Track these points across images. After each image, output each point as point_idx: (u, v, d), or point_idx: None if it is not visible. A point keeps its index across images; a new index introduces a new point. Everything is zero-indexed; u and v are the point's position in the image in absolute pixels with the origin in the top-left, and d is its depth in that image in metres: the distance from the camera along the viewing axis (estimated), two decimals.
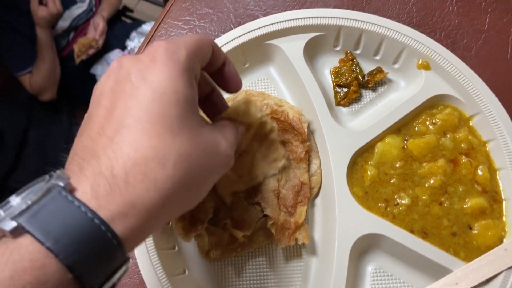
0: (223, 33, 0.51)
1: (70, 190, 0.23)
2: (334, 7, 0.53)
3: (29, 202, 0.22)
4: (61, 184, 0.22)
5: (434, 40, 0.47)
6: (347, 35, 0.49)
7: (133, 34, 1.35)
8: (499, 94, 0.48)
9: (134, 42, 1.34)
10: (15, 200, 0.22)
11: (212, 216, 0.45)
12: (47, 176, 0.24)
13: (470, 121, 0.46)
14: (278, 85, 0.50)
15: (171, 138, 0.24)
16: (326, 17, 0.48)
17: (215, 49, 0.31)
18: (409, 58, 0.48)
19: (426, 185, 0.43)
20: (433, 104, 0.47)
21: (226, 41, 0.48)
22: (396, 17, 0.52)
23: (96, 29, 1.26)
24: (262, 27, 0.48)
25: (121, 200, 0.23)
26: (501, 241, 0.41)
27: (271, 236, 0.44)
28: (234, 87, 0.35)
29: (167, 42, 0.27)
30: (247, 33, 0.48)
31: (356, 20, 0.47)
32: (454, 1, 0.53)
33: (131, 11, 1.70)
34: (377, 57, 0.50)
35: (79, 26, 1.30)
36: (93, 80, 1.35)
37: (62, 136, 1.31)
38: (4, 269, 0.19)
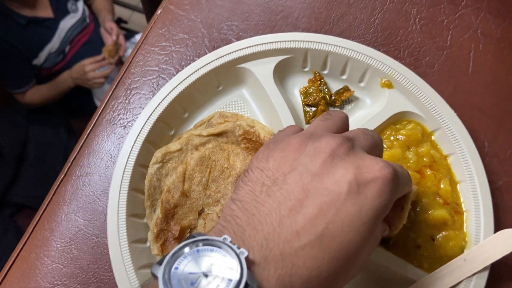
0: (198, 57, 0.53)
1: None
2: (303, 29, 0.56)
3: None
4: None
5: (396, 59, 0.49)
6: (314, 57, 0.51)
7: (127, 44, 1.40)
8: (461, 108, 0.51)
9: (127, 52, 1.39)
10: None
11: (190, 235, 0.47)
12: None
13: (432, 136, 0.48)
14: (250, 106, 0.53)
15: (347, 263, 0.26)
16: (293, 41, 0.50)
17: None
18: (373, 77, 0.50)
19: None
20: (397, 119, 0.49)
21: (200, 66, 0.50)
22: (361, 37, 0.55)
23: (111, 33, 1.34)
24: (233, 52, 0.51)
25: None
26: (461, 251, 0.43)
27: None
28: None
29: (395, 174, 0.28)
30: (219, 58, 0.51)
31: (321, 43, 0.50)
32: (417, 20, 0.55)
33: (126, 22, 1.75)
34: (344, 77, 0.52)
35: (74, 39, 1.33)
36: (89, 91, 1.39)
37: (61, 148, 1.34)
38: None
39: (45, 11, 1.28)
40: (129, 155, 0.46)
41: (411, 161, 0.47)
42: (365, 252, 0.28)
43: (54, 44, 1.29)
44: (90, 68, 1.27)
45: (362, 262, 0.28)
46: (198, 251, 0.24)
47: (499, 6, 0.56)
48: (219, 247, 0.24)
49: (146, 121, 0.48)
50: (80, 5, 1.34)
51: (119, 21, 1.65)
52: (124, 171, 0.46)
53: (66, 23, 1.30)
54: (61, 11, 1.29)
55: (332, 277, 0.26)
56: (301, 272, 0.25)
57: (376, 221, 0.27)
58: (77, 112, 1.48)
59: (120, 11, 1.84)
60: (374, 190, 0.27)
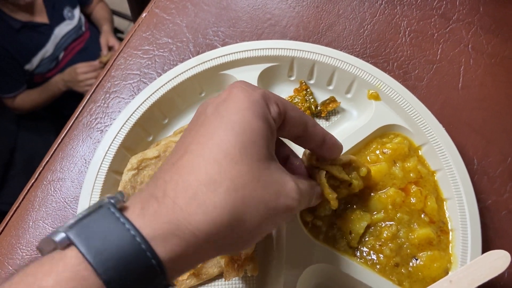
0: (182, 62, 0.52)
1: (121, 208, 0.23)
2: (291, 38, 0.54)
3: (80, 216, 0.23)
4: (112, 201, 0.23)
5: (384, 71, 0.48)
6: (300, 66, 0.50)
7: None
8: (450, 123, 0.49)
9: None
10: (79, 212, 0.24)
11: None
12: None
13: (419, 151, 0.47)
14: None
15: (229, 164, 0.24)
16: (278, 49, 0.49)
17: (310, 130, 0.31)
18: (360, 89, 0.48)
19: (375, 216, 0.43)
20: (384, 133, 0.47)
21: (182, 71, 0.49)
22: (350, 48, 0.53)
23: (102, 48, 1.37)
24: (217, 57, 0.49)
25: (166, 220, 0.23)
26: (446, 273, 0.41)
27: (220, 268, 0.43)
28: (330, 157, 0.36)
29: (246, 82, 0.29)
30: (202, 63, 0.49)
31: (308, 51, 0.48)
32: (407, 33, 0.54)
33: (122, 32, 1.75)
34: (331, 87, 0.50)
35: (69, 46, 1.32)
36: (80, 99, 1.38)
37: None
38: (48, 278, 0.20)
39: (41, 17, 1.27)
40: (102, 161, 0.44)
41: (397, 177, 0.45)
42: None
43: (47, 50, 1.27)
44: (82, 70, 1.26)
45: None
46: None
47: (490, 22, 0.55)
48: None
49: (123, 125, 0.46)
50: (77, 12, 1.34)
51: (116, 31, 1.65)
52: (96, 177, 0.44)
53: (61, 30, 1.30)
54: (57, 17, 1.29)
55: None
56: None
57: None
58: (67, 119, 1.46)
59: (118, 22, 1.84)
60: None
